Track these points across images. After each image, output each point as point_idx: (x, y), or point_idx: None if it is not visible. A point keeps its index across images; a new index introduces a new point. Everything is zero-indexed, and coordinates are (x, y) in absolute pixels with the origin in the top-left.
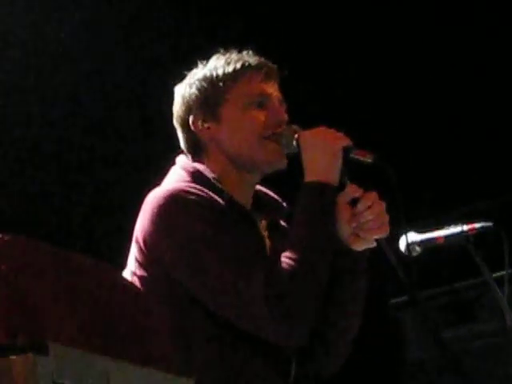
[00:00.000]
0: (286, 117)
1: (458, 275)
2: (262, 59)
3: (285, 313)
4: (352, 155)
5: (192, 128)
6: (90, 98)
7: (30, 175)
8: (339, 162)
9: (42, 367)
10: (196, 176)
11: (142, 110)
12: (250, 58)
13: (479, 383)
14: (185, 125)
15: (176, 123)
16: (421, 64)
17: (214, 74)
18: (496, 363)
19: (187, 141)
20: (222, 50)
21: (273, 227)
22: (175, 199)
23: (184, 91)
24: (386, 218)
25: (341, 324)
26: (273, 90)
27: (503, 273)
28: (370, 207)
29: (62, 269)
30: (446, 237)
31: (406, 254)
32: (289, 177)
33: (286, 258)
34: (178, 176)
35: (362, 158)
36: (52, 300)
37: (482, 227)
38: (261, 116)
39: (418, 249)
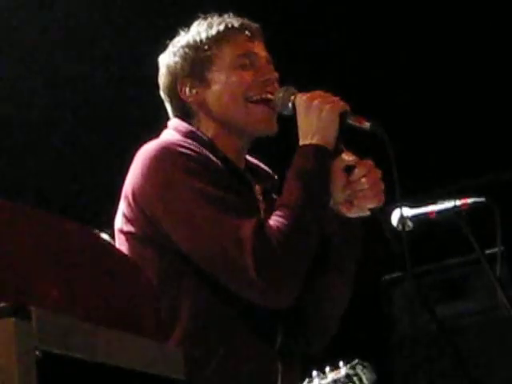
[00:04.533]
0: (275, 75)
1: (448, 252)
2: (245, 20)
3: (272, 268)
4: (349, 121)
5: (180, 96)
6: None
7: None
8: (336, 127)
9: (23, 332)
10: (190, 136)
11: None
12: (231, 19)
13: (470, 360)
14: (172, 94)
15: (163, 94)
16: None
17: (198, 39)
18: (486, 340)
19: (176, 110)
20: (202, 16)
21: (267, 194)
22: (168, 152)
23: (168, 60)
24: (382, 186)
25: (329, 293)
26: (259, 49)
27: (493, 250)
28: (365, 175)
29: (46, 232)
30: (438, 212)
31: (399, 228)
32: (284, 139)
33: (277, 217)
34: (170, 136)
35: (358, 125)
36: (35, 263)
37: (474, 202)
38: (247, 76)
39: (410, 224)
